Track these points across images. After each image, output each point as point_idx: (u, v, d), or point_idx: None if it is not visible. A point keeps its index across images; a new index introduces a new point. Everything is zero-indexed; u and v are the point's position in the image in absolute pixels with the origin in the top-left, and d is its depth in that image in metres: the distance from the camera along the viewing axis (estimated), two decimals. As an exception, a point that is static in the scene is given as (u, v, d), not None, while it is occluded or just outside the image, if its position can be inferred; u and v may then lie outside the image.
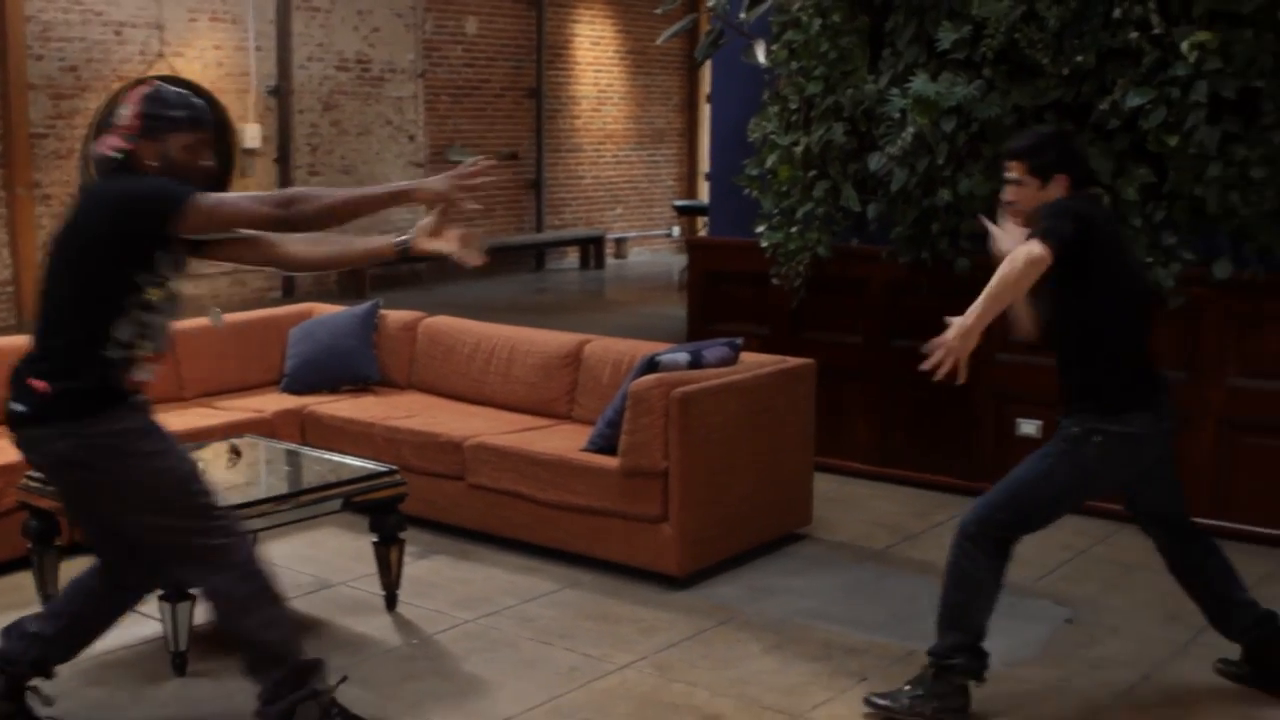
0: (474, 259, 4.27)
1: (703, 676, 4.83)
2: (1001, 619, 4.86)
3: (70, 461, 4.03)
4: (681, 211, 18.22)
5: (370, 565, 5.53)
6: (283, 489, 5.50)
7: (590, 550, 5.94)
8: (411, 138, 16.69)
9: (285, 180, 15.14)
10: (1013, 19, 6.31)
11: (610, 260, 19.20)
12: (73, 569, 4.66)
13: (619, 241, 19.73)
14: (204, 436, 6.31)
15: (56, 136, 13.26)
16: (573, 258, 18.90)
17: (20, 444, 4.13)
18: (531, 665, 4.93)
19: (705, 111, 15.85)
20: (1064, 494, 4.47)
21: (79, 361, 3.97)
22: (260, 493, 5.41)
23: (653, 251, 20.33)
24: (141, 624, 5.21)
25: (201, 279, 14.30)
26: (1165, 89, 6.02)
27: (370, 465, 5.58)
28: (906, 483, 7.27)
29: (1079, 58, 6.22)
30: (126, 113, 4.06)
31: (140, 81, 6.00)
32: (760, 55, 7.13)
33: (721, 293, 8.05)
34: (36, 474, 5.00)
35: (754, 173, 7.52)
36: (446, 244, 4.25)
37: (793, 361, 6.36)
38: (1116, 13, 6.11)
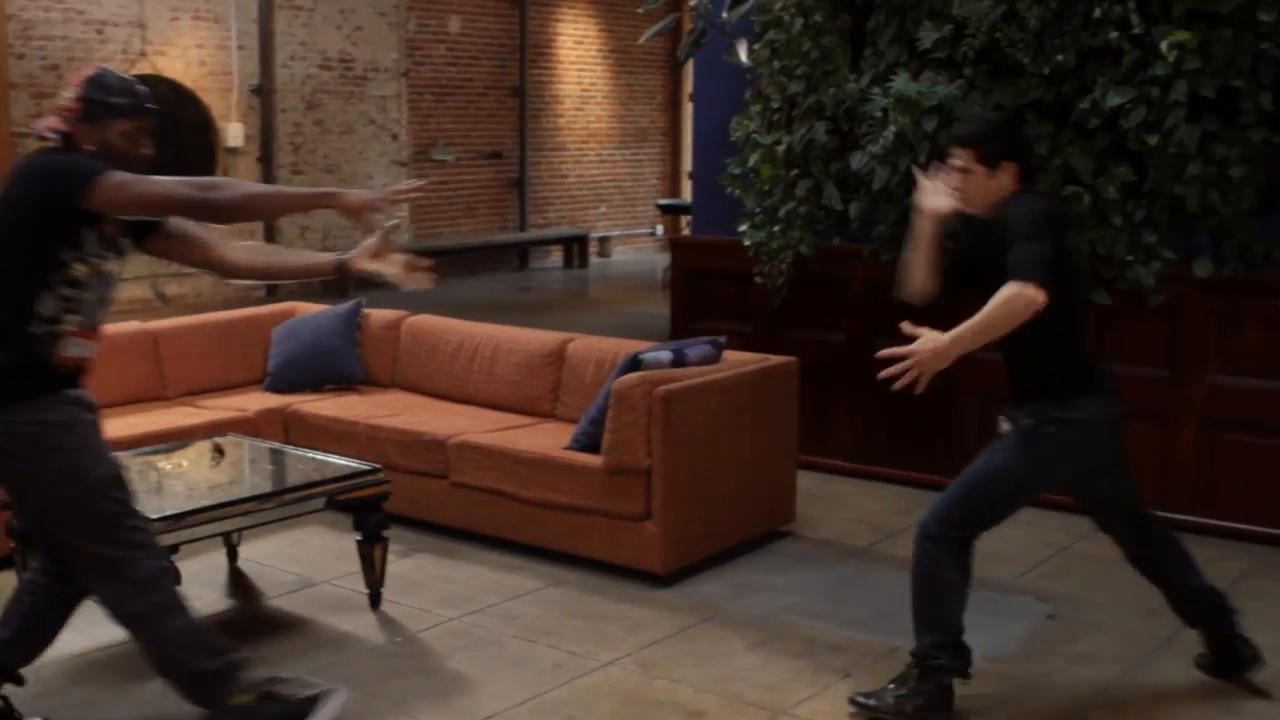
0: (419, 283, 4.23)
1: (686, 673, 4.84)
2: (983, 615, 4.90)
3: None
4: (665, 210, 18.24)
5: (354, 564, 5.53)
6: (266, 488, 5.51)
7: (574, 548, 5.95)
8: (395, 137, 16.68)
9: (269, 179, 15.12)
10: (993, 19, 6.33)
11: (594, 259, 19.21)
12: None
13: (603, 240, 19.74)
14: (187, 435, 6.31)
15: (38, 136, 13.18)
16: (556, 257, 18.91)
17: None
18: (515, 663, 4.94)
19: (688, 110, 15.91)
20: (1021, 487, 4.47)
21: (3, 336, 3.93)
22: (243, 491, 5.42)
23: (636, 250, 20.34)
24: (125, 623, 5.22)
25: (186, 277, 14.30)
26: (1145, 88, 6.04)
27: (354, 464, 5.58)
28: (889, 480, 7.29)
29: (1059, 57, 6.25)
30: (68, 95, 4.03)
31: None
32: (742, 54, 7.15)
33: (704, 291, 8.06)
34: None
35: (736, 171, 7.54)
36: (387, 266, 4.20)
37: (775, 360, 6.37)
38: (1096, 12, 6.14)
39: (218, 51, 14.67)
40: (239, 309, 8.21)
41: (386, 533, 5.48)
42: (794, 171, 7.25)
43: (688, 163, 12.90)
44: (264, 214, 4.14)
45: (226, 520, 5.11)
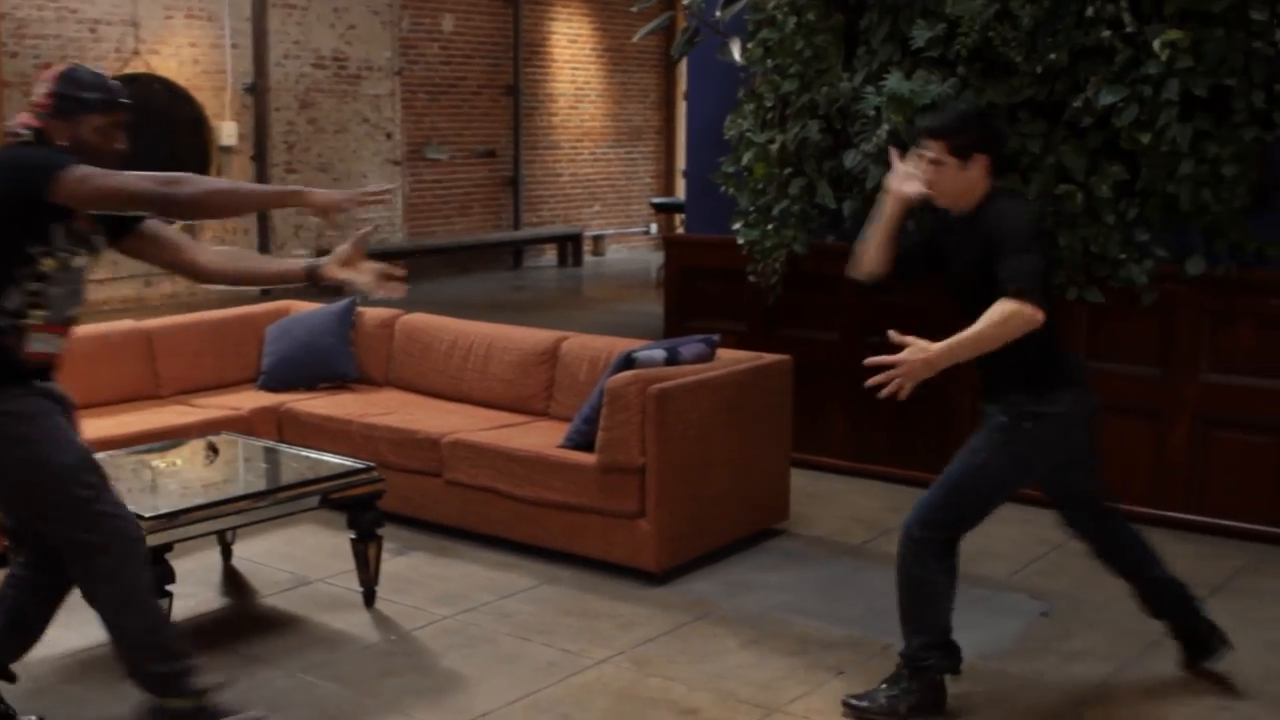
0: (391, 292, 4.23)
1: (680, 671, 4.85)
2: (976, 612, 4.91)
3: None
4: (659, 209, 18.25)
5: (348, 562, 5.54)
6: (260, 486, 5.51)
7: (568, 546, 5.96)
8: (388, 135, 16.68)
9: (263, 178, 15.12)
10: (986, 17, 6.34)
11: (588, 257, 19.20)
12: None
13: (597, 239, 19.74)
14: (181, 434, 6.31)
15: (32, 134, 13.19)
16: (550, 255, 18.91)
17: None
18: (509, 661, 4.95)
19: (682, 109, 15.94)
20: (1001, 484, 4.46)
21: None
22: (238, 490, 5.43)
23: (630, 249, 20.34)
24: (119, 621, 5.22)
25: (179, 277, 14.27)
26: (1137, 87, 6.06)
27: (348, 462, 5.58)
28: (883, 478, 7.30)
29: (1052, 56, 6.26)
30: (40, 91, 4.02)
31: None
32: (736, 53, 7.16)
33: (698, 290, 8.07)
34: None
35: (730, 170, 7.55)
36: (358, 275, 4.17)
37: (769, 358, 6.38)
38: (1089, 11, 6.15)
39: (211, 50, 14.67)
40: (233, 307, 8.20)
41: (381, 531, 5.49)
42: (787, 170, 7.26)
43: (682, 161, 12.93)
44: (226, 210, 4.11)
45: (221, 519, 5.11)
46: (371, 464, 5.59)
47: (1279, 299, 6.13)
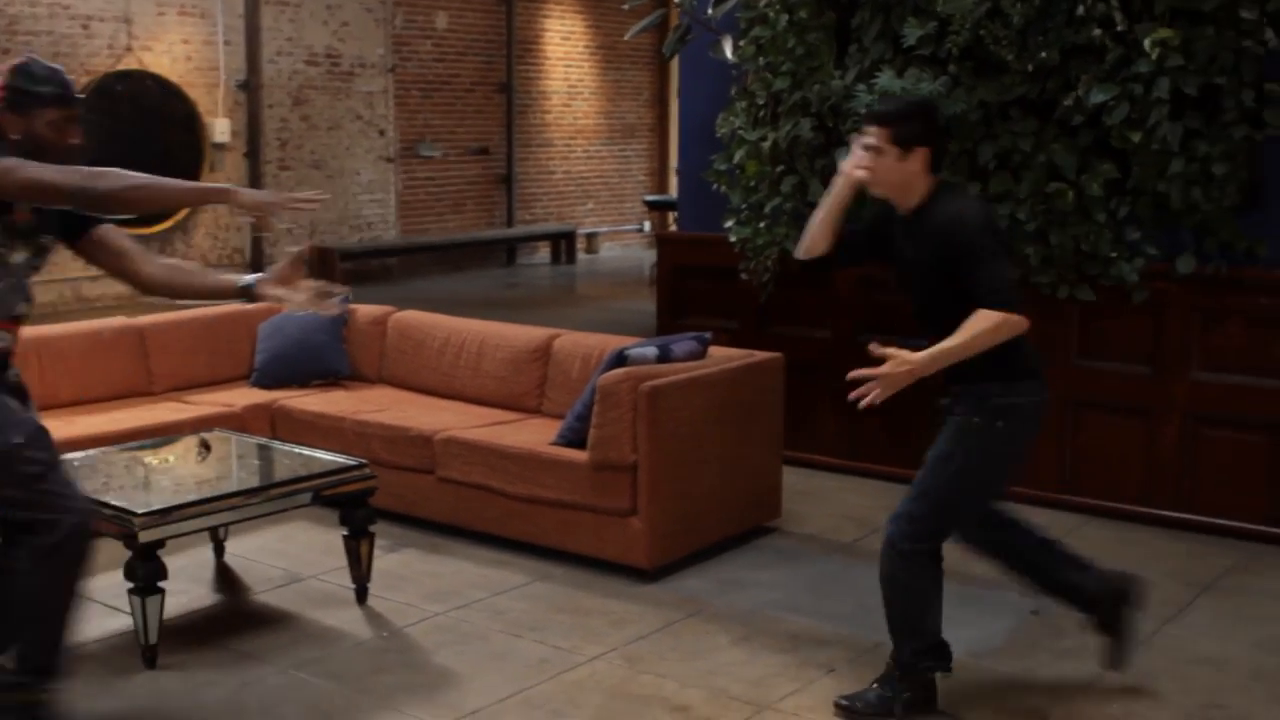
0: (326, 309, 4.24)
1: (671, 668, 4.86)
2: (968, 610, 4.92)
3: None
4: (652, 206, 18.25)
5: (340, 559, 5.54)
6: (253, 483, 5.50)
7: (560, 543, 5.97)
8: (382, 132, 16.67)
9: (256, 175, 15.12)
10: (977, 15, 6.35)
11: (581, 255, 19.21)
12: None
13: (590, 236, 19.74)
14: (174, 430, 6.32)
15: (24, 131, 13.18)
16: (544, 253, 18.91)
17: None
18: (501, 657, 4.95)
19: (676, 106, 15.97)
20: (983, 485, 4.45)
21: None
22: (230, 486, 5.43)
23: (624, 246, 20.35)
24: (112, 617, 5.23)
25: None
26: (1128, 85, 6.07)
27: (340, 459, 5.59)
28: (874, 475, 7.31)
29: (1043, 54, 6.27)
30: None
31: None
32: (728, 51, 7.17)
33: (690, 287, 8.08)
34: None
35: (722, 168, 7.55)
36: (293, 293, 4.18)
37: (761, 355, 6.39)
38: (1080, 10, 6.15)
39: (204, 47, 14.66)
40: (226, 304, 8.20)
41: (373, 528, 5.49)
42: (779, 168, 7.27)
43: (675, 159, 12.96)
44: (148, 206, 4.09)
45: (213, 515, 5.11)
46: (364, 461, 5.60)
47: (1269, 297, 6.14)
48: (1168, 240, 6.30)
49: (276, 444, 6.13)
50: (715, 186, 7.61)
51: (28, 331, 6.72)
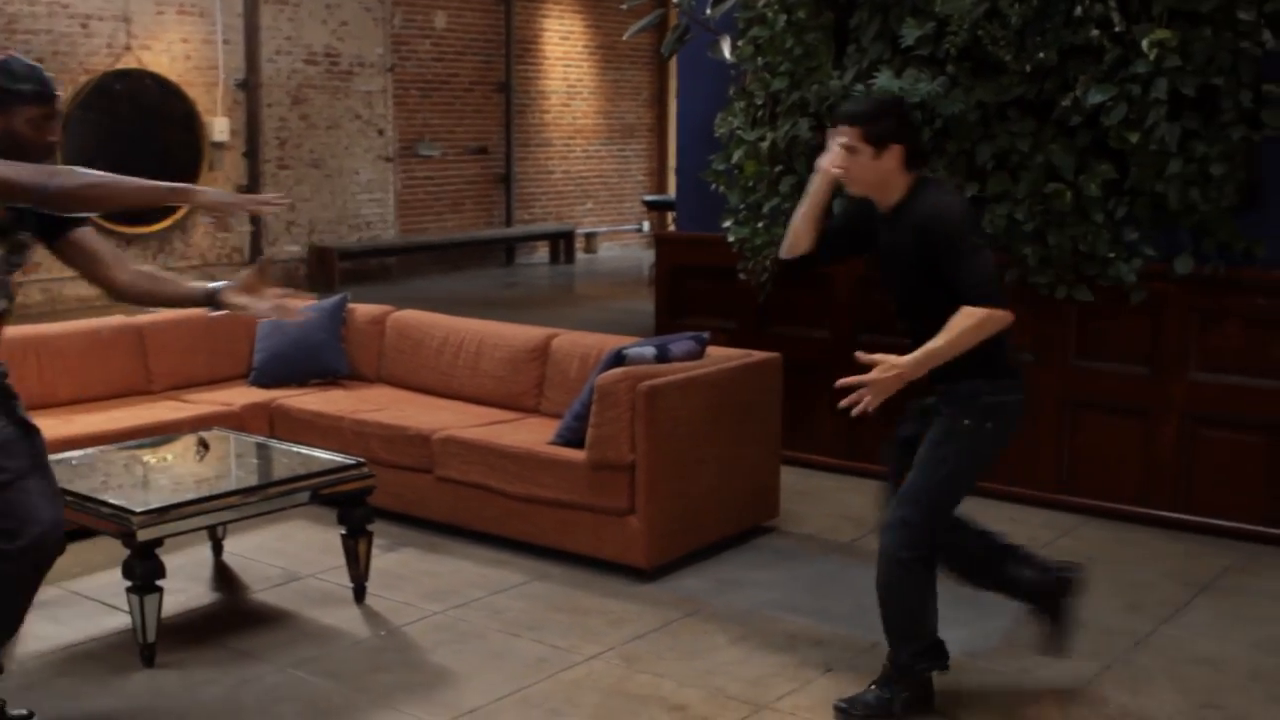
0: (290, 318, 4.24)
1: (669, 667, 4.86)
2: (964, 610, 4.92)
3: None
4: (651, 206, 18.25)
5: (339, 558, 5.55)
6: (251, 481, 5.51)
7: (558, 543, 5.97)
8: (380, 132, 16.67)
9: (255, 174, 15.12)
10: (976, 16, 6.35)
11: (580, 255, 19.21)
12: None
13: (589, 236, 19.74)
14: (172, 429, 6.33)
15: (23, 130, 13.19)
16: (543, 252, 18.91)
17: None
18: (499, 656, 4.96)
19: (675, 106, 16.00)
20: (969, 484, 4.44)
21: None
22: (229, 485, 5.44)
23: (623, 246, 20.35)
24: (110, 615, 5.24)
25: (172, 273, 14.28)
26: (1126, 86, 6.07)
27: (338, 458, 5.59)
28: (873, 475, 7.24)
29: (1041, 55, 6.28)
30: None
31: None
32: (726, 51, 7.17)
33: (689, 287, 8.09)
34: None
35: (720, 168, 7.56)
36: (257, 301, 4.18)
37: (759, 355, 6.39)
38: (1078, 10, 6.16)
39: (203, 46, 14.66)
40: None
41: (371, 527, 5.50)
42: (778, 168, 7.27)
43: (674, 159, 12.97)
44: (105, 204, 4.08)
45: (211, 514, 5.12)
46: (362, 460, 5.61)
47: (1267, 298, 6.15)
48: (1166, 241, 6.30)
49: (275, 443, 6.13)
50: (713, 187, 7.62)
51: (27, 330, 6.78)
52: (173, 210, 14.28)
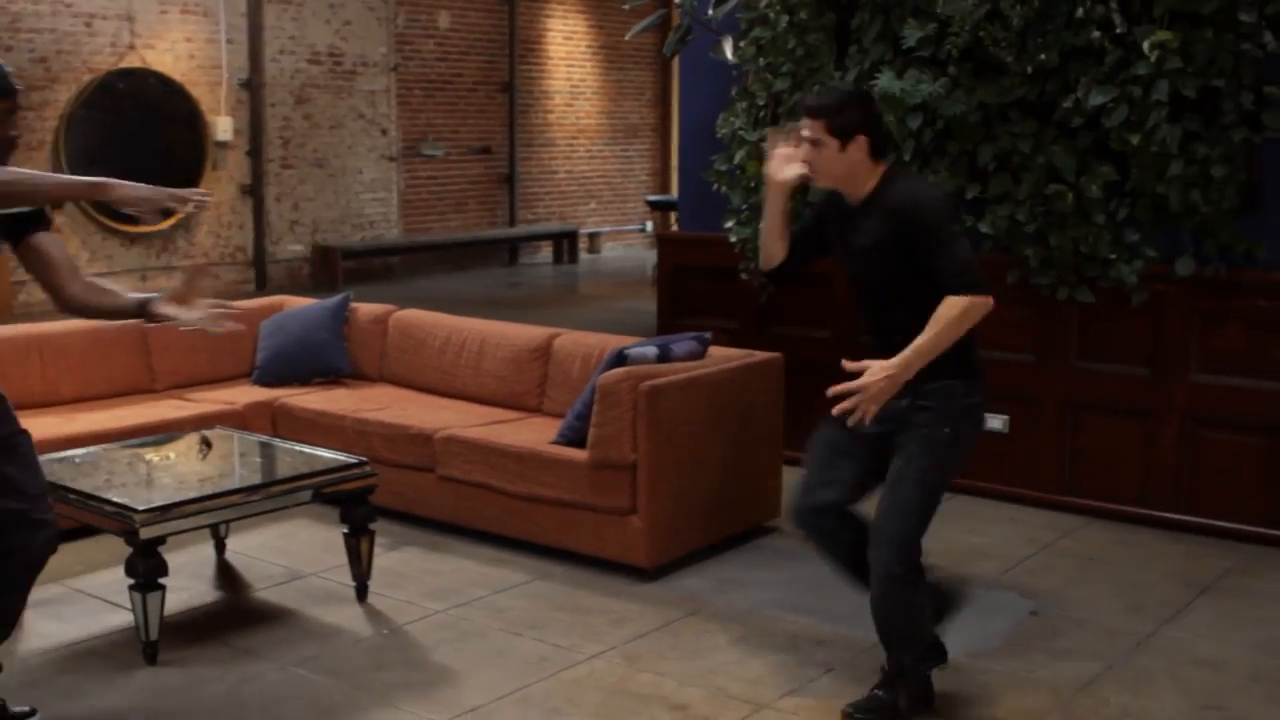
0: (224, 329, 4.25)
1: (671, 667, 4.87)
2: (966, 611, 4.92)
3: None
4: (654, 206, 18.27)
5: (341, 556, 5.56)
6: (254, 480, 5.51)
7: (560, 542, 5.98)
8: (384, 131, 16.69)
9: (259, 173, 15.15)
10: (977, 17, 6.36)
11: (584, 255, 19.22)
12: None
13: (592, 236, 19.76)
14: (175, 428, 6.35)
15: (27, 128, 13.22)
16: (546, 252, 18.93)
17: None
18: (501, 655, 4.97)
19: (678, 106, 15.97)
20: (948, 486, 4.44)
21: None
22: (231, 484, 5.44)
23: (626, 246, 20.37)
24: (113, 613, 5.25)
25: (175, 271, 14.32)
26: (1127, 88, 6.08)
27: (340, 457, 5.60)
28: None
29: (1042, 56, 6.28)
30: None
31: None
32: (728, 51, 7.18)
33: (691, 287, 8.09)
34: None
35: (722, 168, 7.57)
36: (188, 312, 4.18)
37: (761, 355, 6.39)
38: (1079, 12, 6.17)
39: (206, 45, 14.68)
40: (228, 302, 8.22)
41: (373, 526, 5.50)
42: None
43: (677, 159, 12.97)
44: (22, 201, 4.07)
45: (214, 512, 5.13)
46: (364, 459, 5.61)
47: (1268, 300, 6.15)
48: (1167, 242, 6.31)
49: (277, 442, 6.14)
50: (715, 187, 7.63)
51: (31, 329, 6.80)
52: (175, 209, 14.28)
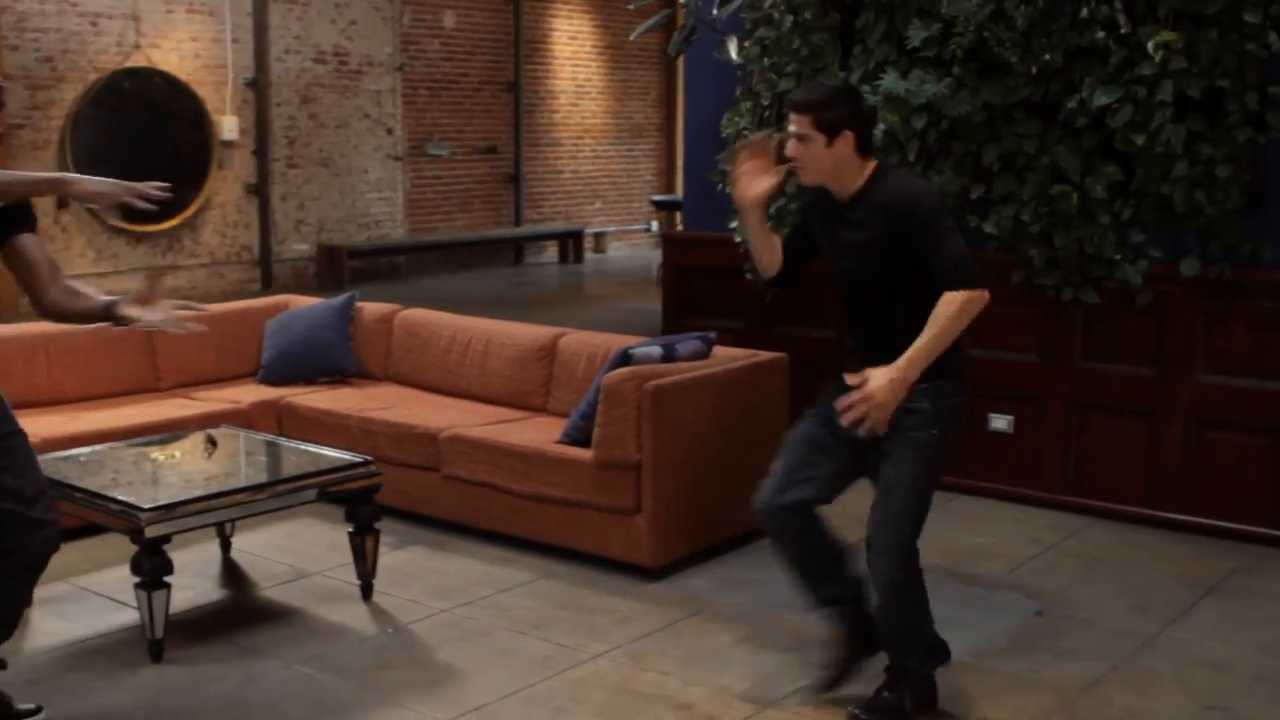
0: (187, 330, 4.25)
1: (675, 666, 4.87)
2: (971, 611, 4.94)
3: None
4: (660, 206, 18.27)
5: (346, 555, 5.57)
6: (259, 479, 5.52)
7: (565, 541, 5.99)
8: (390, 131, 16.70)
9: (264, 172, 15.16)
10: (981, 18, 6.36)
11: (589, 255, 19.23)
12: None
13: (598, 236, 19.76)
14: (181, 427, 6.36)
15: (33, 127, 13.25)
16: (552, 252, 18.93)
17: None
18: (506, 654, 4.98)
19: (683, 106, 15.95)
20: (937, 488, 4.42)
21: None
22: (237, 483, 5.45)
23: (632, 246, 20.37)
24: (119, 612, 5.26)
25: (180, 270, 14.34)
26: (1132, 88, 6.08)
27: (346, 456, 5.61)
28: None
29: (1047, 56, 6.28)
30: None
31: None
32: (733, 51, 7.18)
33: (695, 287, 8.10)
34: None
35: (727, 168, 7.56)
36: (150, 313, 4.20)
37: (765, 355, 6.39)
38: (1084, 12, 6.17)
39: (212, 44, 14.69)
40: (233, 301, 8.24)
41: (378, 525, 5.51)
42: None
43: (682, 159, 12.97)
44: None
45: (219, 510, 5.14)
46: (369, 458, 5.62)
47: (1273, 300, 6.15)
48: (1171, 243, 6.31)
49: (283, 441, 6.15)
50: (720, 187, 7.63)
51: (36, 328, 6.81)
52: (182, 208, 14.33)
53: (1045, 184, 6.38)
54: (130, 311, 4.20)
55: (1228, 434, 6.33)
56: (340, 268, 15.54)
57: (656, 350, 6.04)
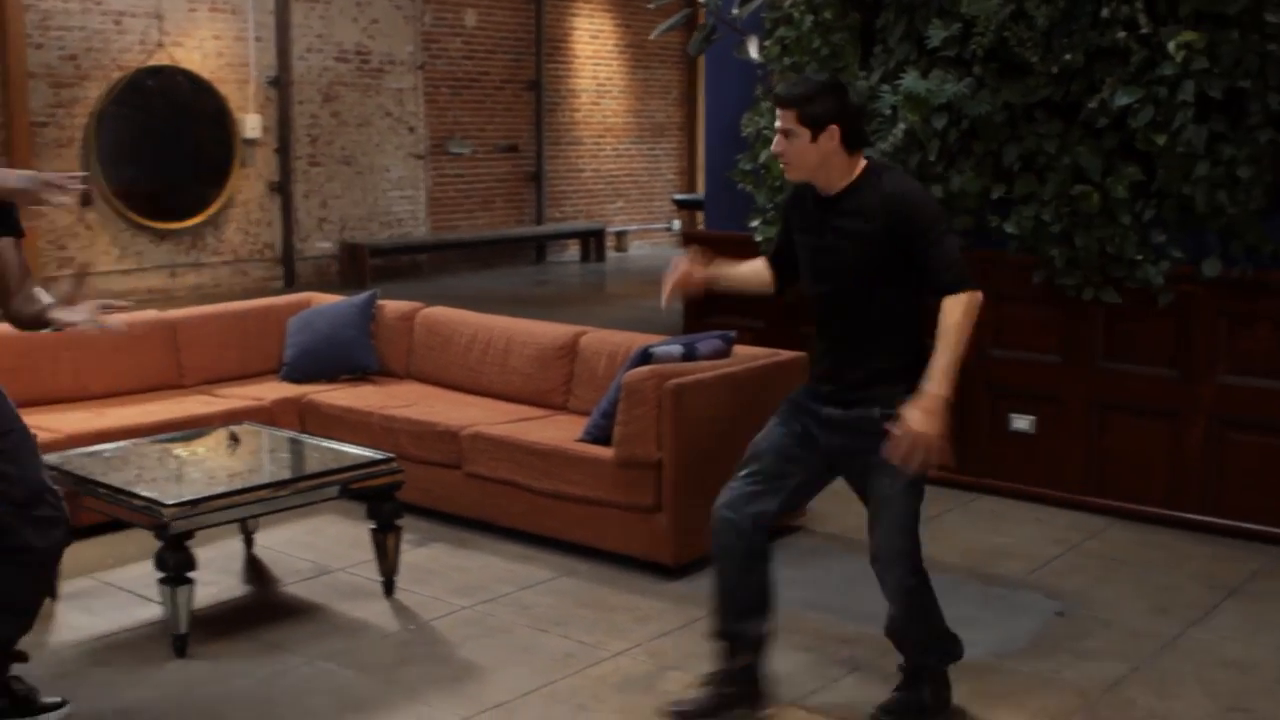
0: (114, 326, 4.26)
1: (695, 664, 4.86)
2: (992, 611, 4.94)
3: None
4: (681, 205, 18.27)
5: (368, 552, 5.59)
6: (282, 475, 5.55)
7: (586, 539, 6.00)
8: (411, 129, 16.74)
9: (287, 170, 15.21)
10: (1002, 17, 6.36)
11: (611, 253, 19.23)
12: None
13: (619, 235, 19.77)
14: (204, 424, 6.40)
15: (57, 125, 13.32)
16: (573, 251, 18.95)
17: None
18: (527, 651, 5.00)
19: (703, 106, 15.88)
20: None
21: None
22: (260, 479, 5.47)
23: (653, 245, 20.38)
24: (143, 607, 5.30)
25: (204, 268, 14.40)
26: (1153, 88, 6.07)
27: (368, 453, 5.63)
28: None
29: (1068, 56, 6.28)
30: None
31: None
32: (753, 51, 7.18)
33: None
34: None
35: (748, 167, 7.58)
36: (74, 314, 4.18)
37: (785, 354, 6.39)
38: (1105, 12, 6.16)
39: (235, 43, 14.75)
40: (256, 299, 8.28)
41: (400, 522, 5.53)
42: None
43: (703, 158, 12.97)
44: None
45: (242, 507, 5.17)
46: (391, 455, 5.64)
47: (1295, 300, 6.15)
48: (1193, 243, 6.30)
49: (305, 437, 6.18)
50: (740, 186, 7.64)
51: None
52: (205, 206, 14.40)
53: (1066, 184, 6.37)
54: (57, 315, 4.18)
55: (1250, 435, 6.32)
56: (362, 266, 15.59)
57: (677, 349, 6.05)
